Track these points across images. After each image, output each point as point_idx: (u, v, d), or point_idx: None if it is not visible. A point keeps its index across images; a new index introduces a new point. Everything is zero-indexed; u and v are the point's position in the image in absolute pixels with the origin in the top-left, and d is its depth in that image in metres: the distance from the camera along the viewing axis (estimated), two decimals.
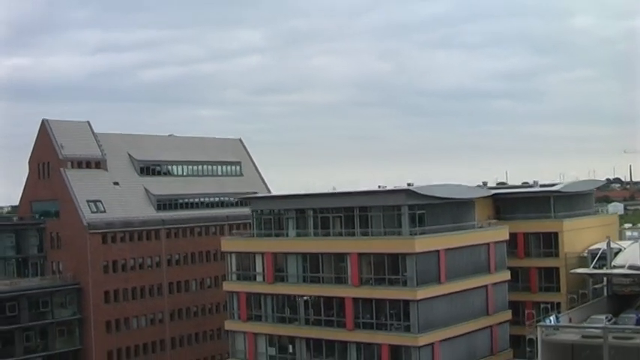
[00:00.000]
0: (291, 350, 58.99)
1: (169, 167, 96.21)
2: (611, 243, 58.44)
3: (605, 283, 59.87)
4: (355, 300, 55.34)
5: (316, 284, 57.90)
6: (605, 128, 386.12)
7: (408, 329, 52.82)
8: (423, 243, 53.18)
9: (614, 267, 57.15)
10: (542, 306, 63.12)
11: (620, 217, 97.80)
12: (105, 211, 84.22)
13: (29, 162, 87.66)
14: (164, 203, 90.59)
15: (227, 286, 64.26)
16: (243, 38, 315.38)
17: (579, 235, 65.57)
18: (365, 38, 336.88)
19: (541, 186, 71.19)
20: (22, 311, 78.28)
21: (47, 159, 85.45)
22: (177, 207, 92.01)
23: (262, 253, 61.14)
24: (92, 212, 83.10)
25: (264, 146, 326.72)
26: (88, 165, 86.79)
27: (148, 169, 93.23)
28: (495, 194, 67.59)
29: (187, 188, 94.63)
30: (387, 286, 54.05)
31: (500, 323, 59.82)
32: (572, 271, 60.77)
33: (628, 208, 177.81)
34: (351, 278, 55.65)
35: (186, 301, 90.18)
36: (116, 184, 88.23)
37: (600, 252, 59.19)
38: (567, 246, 64.27)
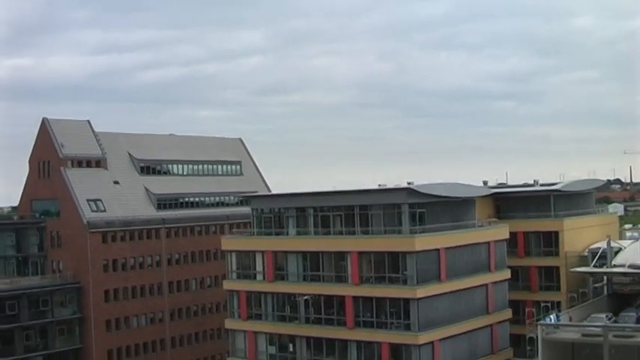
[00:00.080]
0: (291, 349, 58.98)
1: (169, 166, 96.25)
2: (612, 242, 58.46)
3: (605, 281, 59.93)
4: (355, 298, 55.33)
5: (316, 283, 57.91)
6: (605, 129, 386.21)
7: (408, 328, 52.83)
8: (424, 241, 53.19)
9: (615, 266, 57.12)
10: (542, 305, 63.15)
11: (621, 217, 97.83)
12: (105, 210, 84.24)
13: (29, 161, 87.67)
14: (164, 202, 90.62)
15: (227, 285, 64.27)
16: (244, 38, 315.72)
17: (579, 234, 65.58)
18: (365, 38, 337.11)
19: (541, 185, 71.19)
20: (22, 310, 78.32)
21: (47, 158, 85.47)
22: (177, 206, 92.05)
23: (262, 252, 61.14)
24: (92, 211, 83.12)
25: (265, 147, 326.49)
26: (89, 164, 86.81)
27: (149, 168, 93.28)
28: (496, 193, 67.56)
29: (187, 187, 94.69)
30: (388, 284, 54.05)
31: (501, 322, 59.81)
32: (573, 269, 60.75)
33: (628, 209, 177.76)
34: (351, 277, 55.65)
35: (186, 300, 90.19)
36: (116, 183, 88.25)
37: (600, 251, 59.20)
38: (567, 245, 64.27)
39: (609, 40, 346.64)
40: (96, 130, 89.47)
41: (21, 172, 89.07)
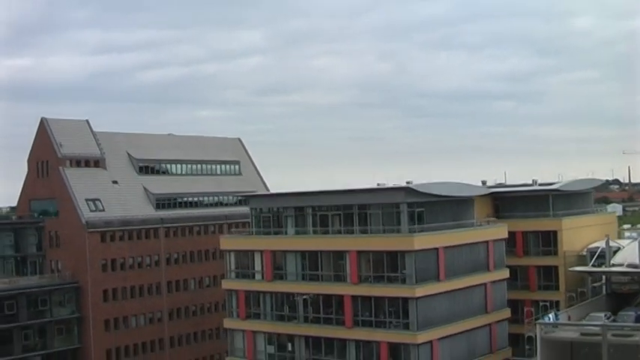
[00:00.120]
0: (290, 348, 58.99)
1: (168, 166, 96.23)
2: (610, 241, 58.46)
3: (603, 281, 59.99)
4: (354, 298, 55.33)
5: (315, 282, 57.90)
6: (605, 129, 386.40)
7: (406, 327, 52.85)
8: (422, 241, 53.20)
9: (613, 265, 57.19)
10: (541, 304, 63.25)
11: (619, 218, 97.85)
12: (104, 210, 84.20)
13: (28, 160, 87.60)
14: (163, 202, 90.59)
15: (226, 285, 64.26)
16: (244, 38, 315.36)
17: (578, 233, 65.64)
18: (365, 38, 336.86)
19: (540, 185, 71.23)
20: (20, 310, 78.27)
21: (46, 157, 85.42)
22: (176, 206, 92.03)
23: (261, 251, 61.13)
24: (91, 211, 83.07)
25: (265, 147, 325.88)
26: (87, 164, 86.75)
27: (147, 167, 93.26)
28: (494, 192, 67.60)
29: (186, 187, 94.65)
30: (386, 283, 54.07)
31: (499, 321, 59.84)
32: (571, 269, 60.82)
33: (627, 209, 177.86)
34: (350, 276, 55.65)
35: (185, 300, 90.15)
36: (115, 182, 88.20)
37: (599, 250, 59.30)
38: (566, 244, 64.34)
39: (609, 40, 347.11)
40: (95, 129, 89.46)
41: (20, 171, 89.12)
